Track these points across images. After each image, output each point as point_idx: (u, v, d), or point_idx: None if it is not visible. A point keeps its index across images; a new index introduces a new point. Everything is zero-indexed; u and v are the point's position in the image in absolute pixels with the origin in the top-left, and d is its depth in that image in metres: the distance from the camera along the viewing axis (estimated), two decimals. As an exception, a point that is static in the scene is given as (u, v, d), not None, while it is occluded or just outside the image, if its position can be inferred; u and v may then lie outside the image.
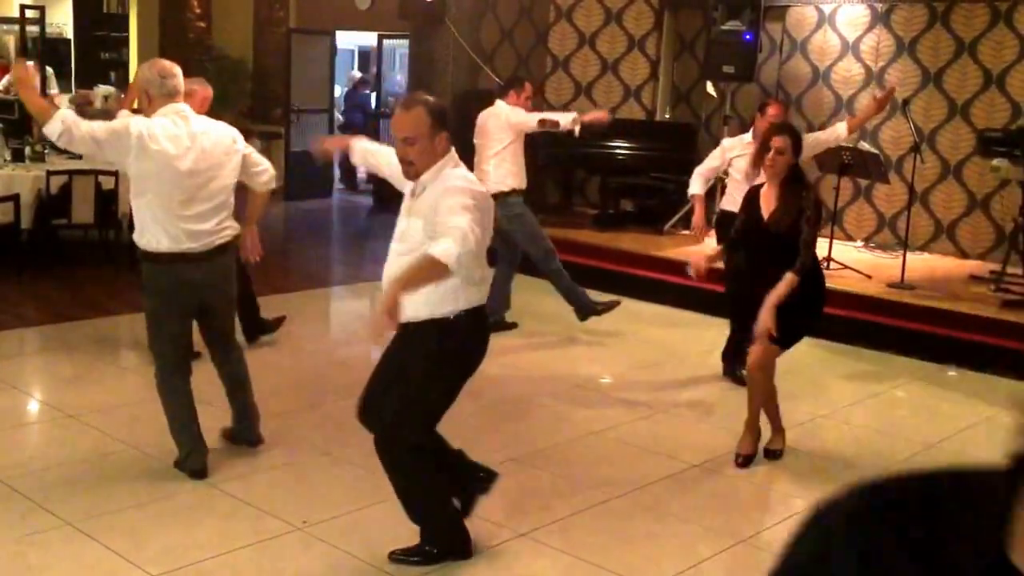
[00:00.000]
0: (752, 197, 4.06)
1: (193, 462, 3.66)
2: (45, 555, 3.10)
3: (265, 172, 3.85)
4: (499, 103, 5.93)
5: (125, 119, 3.64)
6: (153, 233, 3.52)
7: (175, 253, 3.53)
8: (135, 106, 4.52)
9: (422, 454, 3.06)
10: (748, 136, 5.41)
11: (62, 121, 3.32)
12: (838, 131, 5.44)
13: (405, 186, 3.06)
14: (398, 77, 12.30)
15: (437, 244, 2.68)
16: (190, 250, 3.54)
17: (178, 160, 3.49)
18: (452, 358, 3.00)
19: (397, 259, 2.97)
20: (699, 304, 6.63)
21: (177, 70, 3.62)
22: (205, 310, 3.72)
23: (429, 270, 2.69)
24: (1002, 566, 0.72)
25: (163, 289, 3.59)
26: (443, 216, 2.77)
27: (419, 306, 2.85)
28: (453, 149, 2.97)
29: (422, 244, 2.80)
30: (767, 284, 3.82)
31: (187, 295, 3.61)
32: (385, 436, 3.03)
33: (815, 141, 5.38)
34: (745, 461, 4.06)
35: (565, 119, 5.87)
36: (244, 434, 3.95)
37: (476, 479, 3.27)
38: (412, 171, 2.94)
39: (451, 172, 2.93)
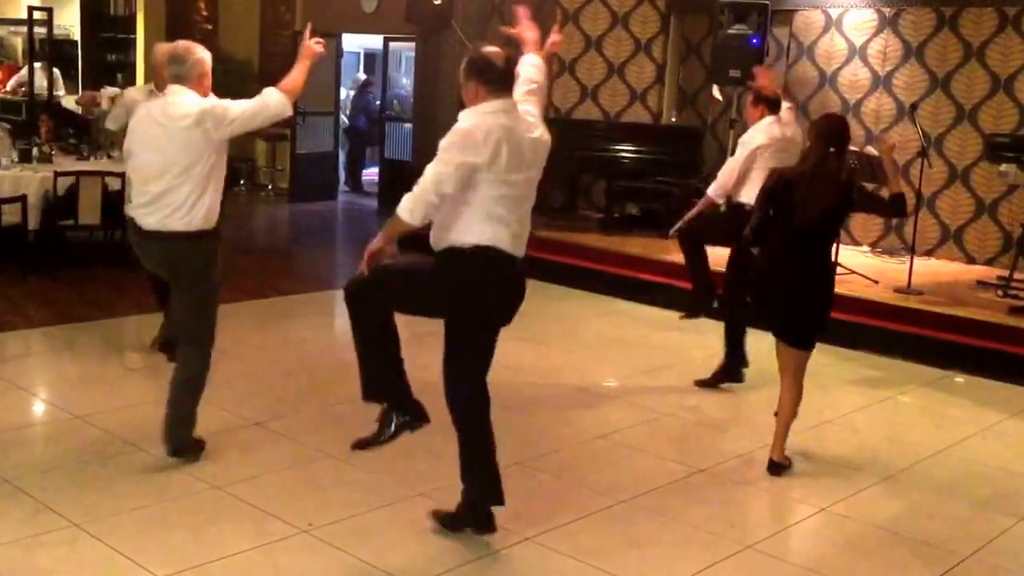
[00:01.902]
0: (794, 186, 3.96)
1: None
2: (51, 556, 3.10)
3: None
4: None
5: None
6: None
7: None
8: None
9: (369, 308, 3.18)
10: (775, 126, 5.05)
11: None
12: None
13: None
14: (404, 80, 12.30)
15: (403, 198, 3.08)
16: None
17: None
18: (442, 278, 3.16)
19: None
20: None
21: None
22: None
23: (393, 222, 3.11)
24: None
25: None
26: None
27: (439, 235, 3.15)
28: (494, 99, 3.11)
29: None
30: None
31: None
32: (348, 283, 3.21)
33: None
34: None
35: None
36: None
37: (408, 405, 3.31)
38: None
39: (467, 115, 3.11)
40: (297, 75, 3.69)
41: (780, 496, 3.95)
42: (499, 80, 3.13)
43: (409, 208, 3.03)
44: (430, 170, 3.02)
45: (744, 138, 5.10)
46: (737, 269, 5.10)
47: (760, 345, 4.75)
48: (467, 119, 3.10)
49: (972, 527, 3.72)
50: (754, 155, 4.96)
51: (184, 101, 3.58)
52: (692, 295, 5.40)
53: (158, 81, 4.82)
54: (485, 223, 3.10)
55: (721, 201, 5.12)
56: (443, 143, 3.06)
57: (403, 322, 3.23)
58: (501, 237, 3.13)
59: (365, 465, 3.92)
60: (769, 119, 5.03)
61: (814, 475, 4.10)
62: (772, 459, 4.07)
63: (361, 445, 3.32)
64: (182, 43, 3.71)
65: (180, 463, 3.79)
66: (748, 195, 4.78)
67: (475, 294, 3.17)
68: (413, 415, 3.30)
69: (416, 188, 3.03)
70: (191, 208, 3.58)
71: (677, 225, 5.32)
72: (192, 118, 3.52)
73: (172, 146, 3.55)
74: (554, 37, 6.31)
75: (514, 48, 3.74)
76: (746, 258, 4.96)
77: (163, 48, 4.49)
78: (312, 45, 3.73)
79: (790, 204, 3.94)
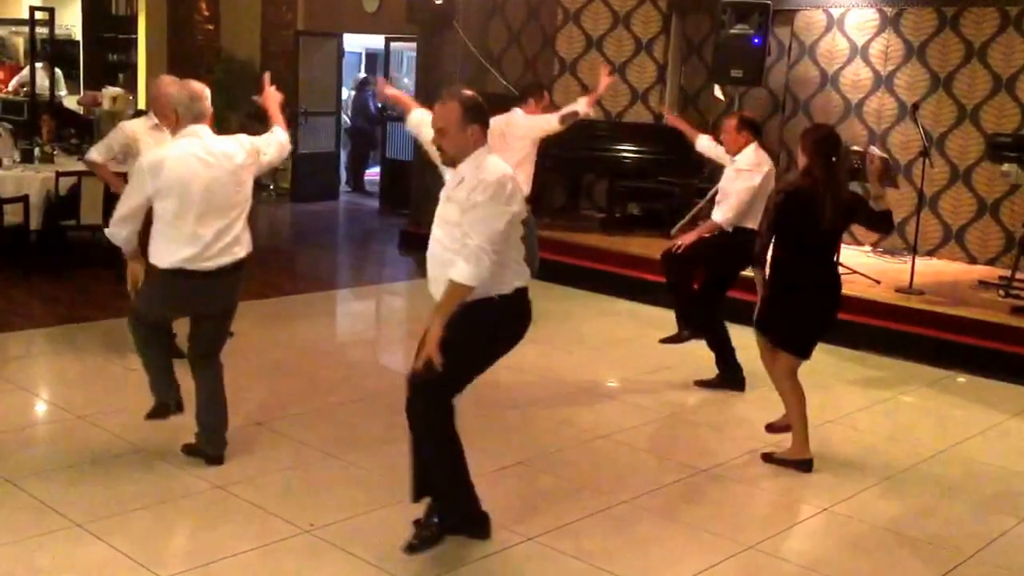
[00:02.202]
0: (807, 200, 3.93)
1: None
2: (53, 556, 3.10)
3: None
4: (516, 111, 5.94)
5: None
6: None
7: None
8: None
9: (444, 416, 3.12)
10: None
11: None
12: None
13: (446, 171, 3.20)
14: (405, 80, 12.31)
15: (456, 267, 2.98)
16: None
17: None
18: (486, 329, 3.11)
19: (435, 243, 3.15)
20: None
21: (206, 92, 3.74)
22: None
23: (455, 293, 3.00)
24: None
25: None
26: (467, 227, 2.99)
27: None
28: (486, 141, 3.10)
29: (457, 225, 3.02)
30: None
31: None
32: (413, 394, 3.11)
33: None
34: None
35: (581, 106, 5.93)
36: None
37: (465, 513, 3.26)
38: (446, 158, 3.12)
39: (486, 163, 3.05)
40: (280, 120, 4.02)
41: (782, 496, 3.95)
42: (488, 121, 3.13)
43: (476, 274, 2.94)
44: (482, 230, 2.94)
45: (744, 164, 4.95)
46: (717, 290, 5.09)
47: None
48: (490, 167, 3.02)
49: (974, 527, 3.72)
50: (767, 179, 4.90)
51: (222, 140, 3.71)
52: (678, 320, 5.29)
53: (160, 112, 4.69)
54: (520, 265, 3.14)
55: (730, 230, 4.99)
56: (480, 198, 2.96)
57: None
58: (528, 274, 3.20)
59: (366, 466, 3.92)
60: (754, 144, 5.00)
61: (816, 475, 4.10)
62: (809, 458, 4.08)
63: (412, 548, 3.17)
64: (195, 83, 3.75)
65: (182, 463, 3.80)
66: (755, 219, 4.69)
67: (518, 331, 3.20)
68: (468, 522, 3.26)
69: (470, 252, 2.94)
70: (245, 231, 3.73)
71: (675, 241, 5.17)
72: (242, 156, 3.69)
73: (232, 184, 3.65)
74: (605, 80, 6.23)
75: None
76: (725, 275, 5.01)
77: (174, 83, 4.34)
78: (274, 93, 4.02)
79: (806, 218, 3.92)
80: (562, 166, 8.56)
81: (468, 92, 3.14)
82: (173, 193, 3.53)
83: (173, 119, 3.73)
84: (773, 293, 4.10)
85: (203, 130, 3.66)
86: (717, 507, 3.77)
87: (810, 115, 8.16)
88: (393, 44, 10.85)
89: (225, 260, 3.64)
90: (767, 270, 4.11)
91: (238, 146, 3.71)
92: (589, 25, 9.04)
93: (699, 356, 5.62)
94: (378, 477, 3.82)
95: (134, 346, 3.89)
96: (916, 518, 3.78)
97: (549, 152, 7.95)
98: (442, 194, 3.16)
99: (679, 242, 5.14)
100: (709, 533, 3.52)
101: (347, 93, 12.12)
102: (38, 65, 10.63)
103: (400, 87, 12.04)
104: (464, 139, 3.05)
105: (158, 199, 3.56)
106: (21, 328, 5.60)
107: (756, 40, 7.67)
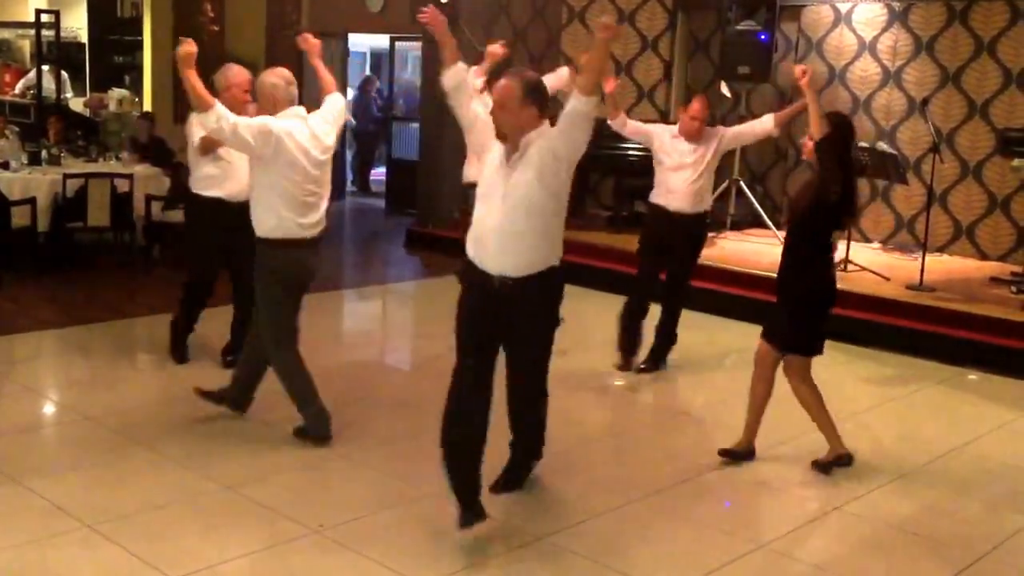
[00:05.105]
0: None
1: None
2: (63, 557, 3.10)
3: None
4: None
5: (264, 119, 3.88)
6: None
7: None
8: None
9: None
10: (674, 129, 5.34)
11: (218, 117, 3.70)
12: (764, 123, 5.20)
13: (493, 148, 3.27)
14: (411, 79, 12.30)
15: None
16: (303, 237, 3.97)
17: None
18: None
19: (501, 212, 3.18)
20: (714, 307, 6.59)
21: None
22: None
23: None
24: None
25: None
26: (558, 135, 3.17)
27: None
28: (547, 124, 3.20)
29: (530, 195, 3.13)
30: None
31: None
32: None
33: (736, 133, 5.29)
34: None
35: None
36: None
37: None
38: (500, 135, 3.21)
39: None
40: (330, 79, 4.28)
41: (793, 495, 3.92)
42: None
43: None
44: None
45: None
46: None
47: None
48: None
49: (986, 525, 3.69)
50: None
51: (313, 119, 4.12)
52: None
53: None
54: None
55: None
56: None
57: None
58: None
59: (375, 466, 3.91)
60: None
61: (827, 473, 4.07)
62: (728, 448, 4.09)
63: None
64: (285, 70, 4.07)
65: (191, 464, 3.79)
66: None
67: None
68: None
69: None
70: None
71: None
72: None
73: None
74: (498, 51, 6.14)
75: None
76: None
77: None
78: (312, 40, 4.31)
79: None
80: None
81: (531, 73, 3.24)
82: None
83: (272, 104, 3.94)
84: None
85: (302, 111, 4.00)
86: (728, 506, 3.74)
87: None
88: (398, 44, 10.84)
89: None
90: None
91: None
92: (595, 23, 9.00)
93: (704, 353, 5.60)
94: (387, 477, 3.81)
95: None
96: (928, 517, 3.75)
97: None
98: (491, 173, 3.22)
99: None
100: (720, 532, 3.50)
101: (351, 93, 12.12)
102: (44, 68, 10.66)
103: (404, 86, 12.05)
104: (524, 116, 3.13)
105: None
106: (29, 330, 5.61)
107: (763, 36, 7.64)
